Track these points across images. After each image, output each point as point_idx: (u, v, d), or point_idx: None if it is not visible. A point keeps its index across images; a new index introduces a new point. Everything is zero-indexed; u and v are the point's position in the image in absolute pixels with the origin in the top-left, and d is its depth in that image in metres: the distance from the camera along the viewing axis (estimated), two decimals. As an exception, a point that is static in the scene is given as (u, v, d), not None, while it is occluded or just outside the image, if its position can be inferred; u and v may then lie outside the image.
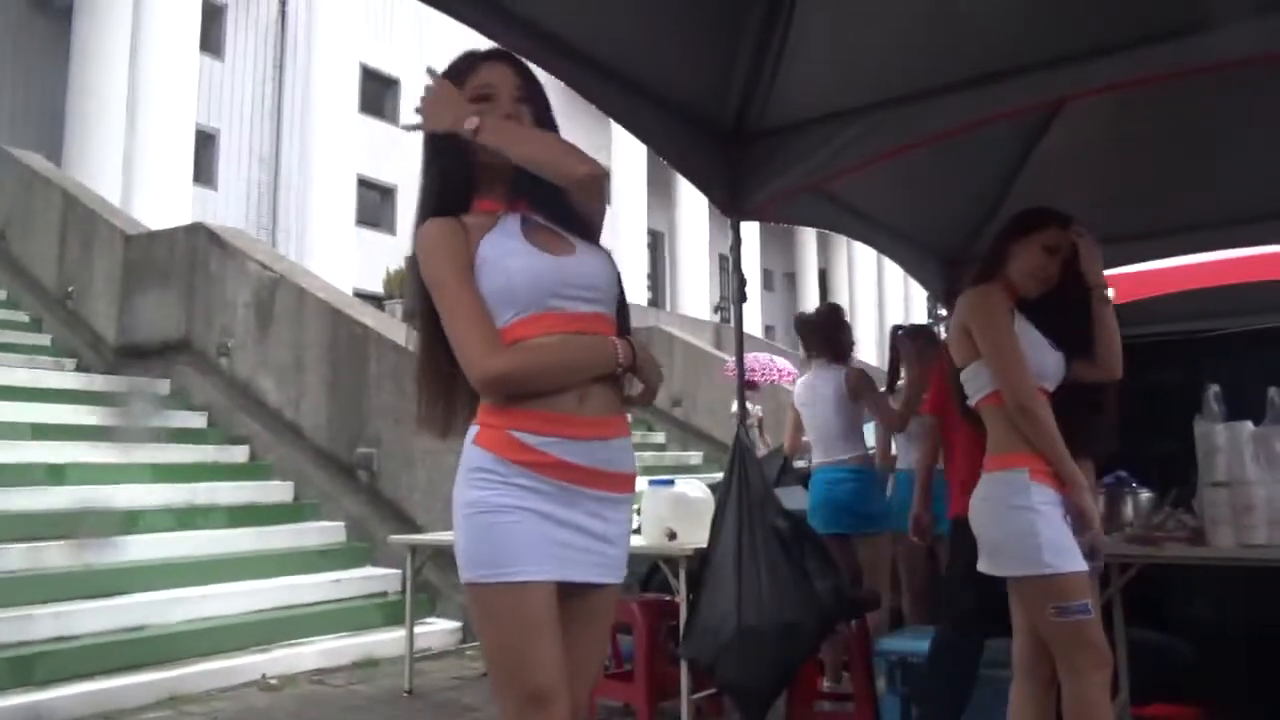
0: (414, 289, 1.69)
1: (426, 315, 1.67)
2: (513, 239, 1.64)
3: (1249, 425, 3.01)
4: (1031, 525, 2.29)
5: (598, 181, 1.64)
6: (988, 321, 2.44)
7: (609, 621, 1.73)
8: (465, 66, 1.73)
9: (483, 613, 1.57)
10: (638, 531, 4.08)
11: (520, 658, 1.52)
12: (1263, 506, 2.91)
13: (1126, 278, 4.45)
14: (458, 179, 1.70)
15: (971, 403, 2.54)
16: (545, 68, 1.79)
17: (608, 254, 1.73)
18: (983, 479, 2.46)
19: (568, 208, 1.69)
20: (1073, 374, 2.51)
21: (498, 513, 1.54)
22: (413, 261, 1.69)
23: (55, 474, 6.05)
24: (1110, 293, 2.54)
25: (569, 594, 1.59)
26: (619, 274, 1.74)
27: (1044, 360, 2.43)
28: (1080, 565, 2.28)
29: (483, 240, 1.63)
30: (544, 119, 1.74)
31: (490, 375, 1.55)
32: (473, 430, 1.62)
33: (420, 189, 1.74)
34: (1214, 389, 3.07)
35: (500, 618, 1.54)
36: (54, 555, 5.23)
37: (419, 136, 1.74)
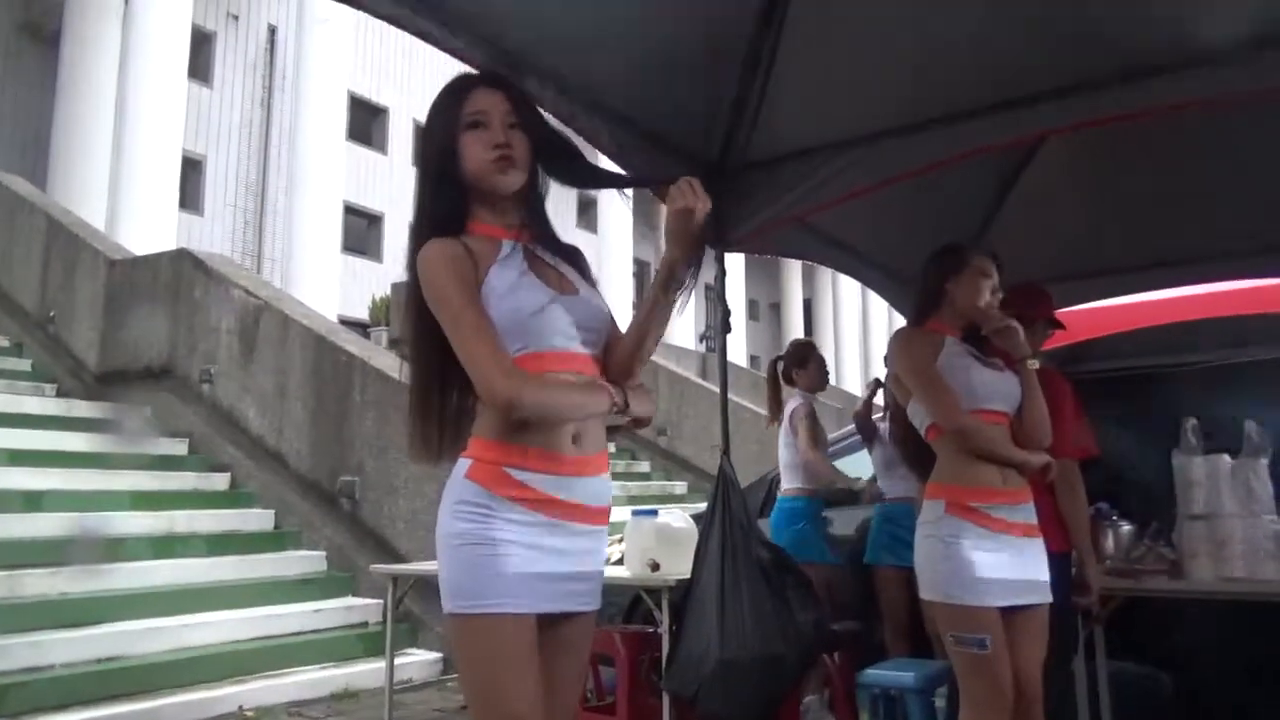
0: (410, 311, 1.67)
1: (423, 339, 1.66)
2: (521, 273, 1.65)
3: (1226, 459, 3.04)
4: (939, 553, 2.39)
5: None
6: (907, 363, 2.56)
7: (587, 648, 1.75)
8: (461, 88, 1.73)
9: (464, 643, 1.59)
10: (619, 562, 4.08)
11: (498, 688, 1.54)
12: (1240, 539, 2.94)
13: (1106, 311, 4.49)
14: (455, 201, 1.71)
15: (923, 437, 2.58)
16: (537, 101, 1.82)
17: (602, 296, 1.77)
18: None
19: (569, 246, 1.76)
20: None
21: (485, 545, 1.56)
22: (410, 284, 1.66)
23: (33, 501, 5.98)
24: (1034, 363, 2.56)
25: (549, 624, 1.62)
26: (612, 315, 1.77)
27: (968, 382, 2.48)
28: (985, 601, 2.33)
29: (490, 269, 1.63)
30: (541, 142, 1.74)
31: (509, 396, 1.54)
32: (465, 463, 1.63)
33: (416, 209, 1.74)
34: (1192, 422, 3.11)
35: (480, 648, 1.56)
36: (31, 583, 5.16)
37: (405, 164, 1.77)
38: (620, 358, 1.74)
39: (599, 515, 1.69)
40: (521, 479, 1.59)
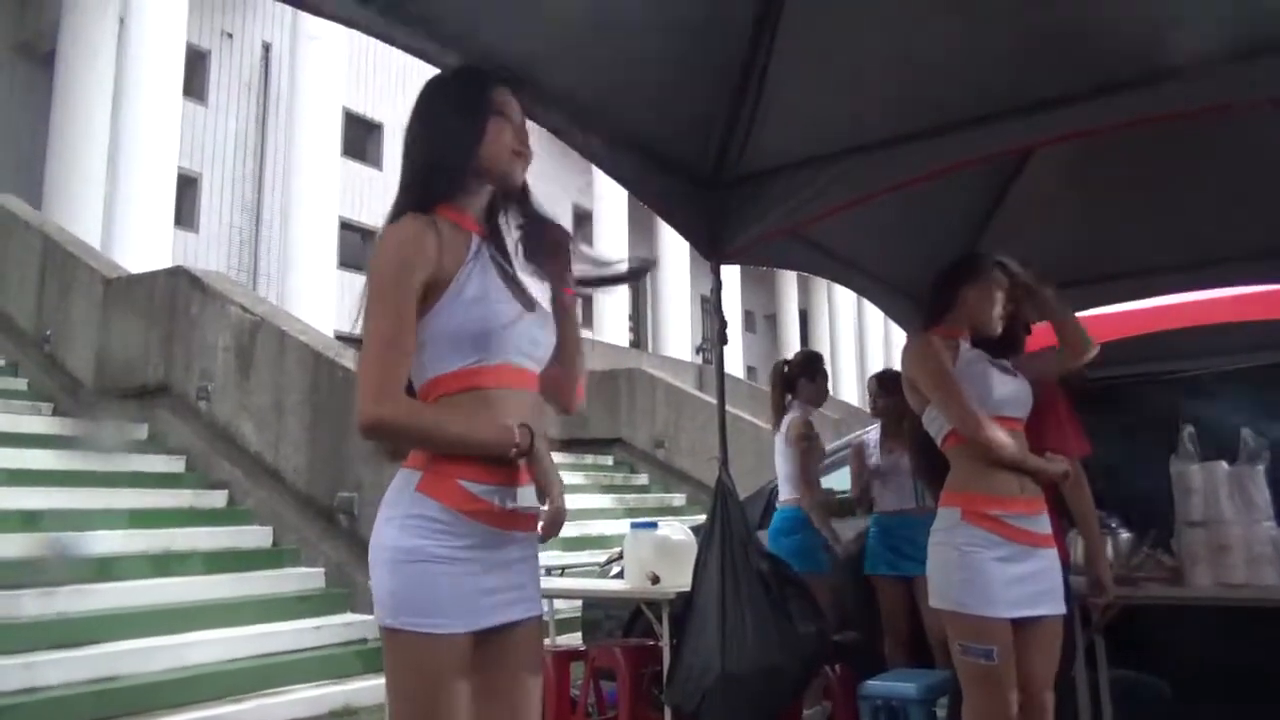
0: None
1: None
2: (492, 279, 1.64)
3: (1224, 465, 3.04)
4: (953, 561, 2.39)
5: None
6: (924, 369, 2.54)
7: (539, 655, 1.75)
8: (489, 77, 1.75)
9: (399, 659, 1.55)
10: (619, 576, 4.06)
11: (431, 709, 1.52)
12: (1239, 546, 2.94)
13: (1101, 319, 4.49)
14: (457, 178, 1.69)
15: (939, 445, 2.57)
16: (529, 114, 1.82)
17: (551, 317, 1.78)
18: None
19: (536, 253, 1.77)
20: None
21: (435, 563, 1.53)
22: None
23: (30, 520, 5.96)
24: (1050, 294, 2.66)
25: (496, 636, 1.60)
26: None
27: (988, 388, 2.48)
28: (996, 612, 2.32)
29: (462, 271, 1.61)
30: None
31: (371, 419, 1.51)
32: (413, 475, 1.59)
33: (414, 172, 1.70)
34: (1189, 429, 3.11)
35: (417, 666, 1.53)
36: (27, 603, 5.14)
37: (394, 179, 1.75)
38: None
39: (531, 521, 1.68)
40: (475, 491, 1.57)
